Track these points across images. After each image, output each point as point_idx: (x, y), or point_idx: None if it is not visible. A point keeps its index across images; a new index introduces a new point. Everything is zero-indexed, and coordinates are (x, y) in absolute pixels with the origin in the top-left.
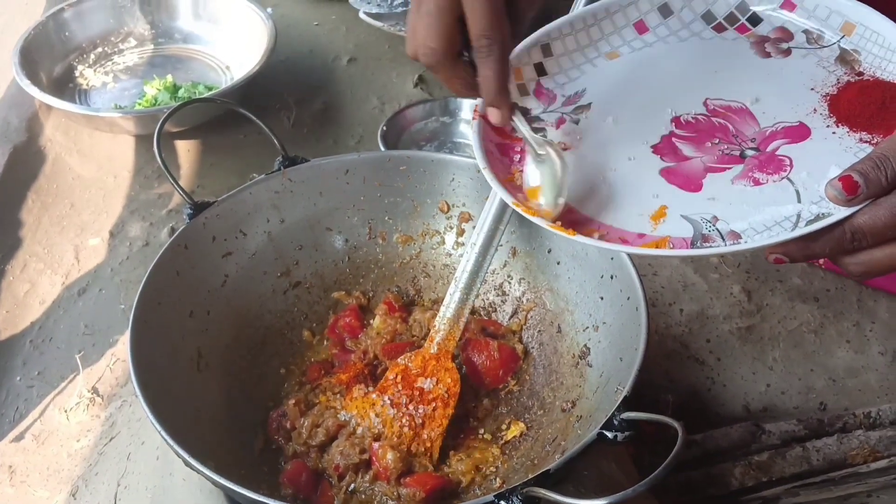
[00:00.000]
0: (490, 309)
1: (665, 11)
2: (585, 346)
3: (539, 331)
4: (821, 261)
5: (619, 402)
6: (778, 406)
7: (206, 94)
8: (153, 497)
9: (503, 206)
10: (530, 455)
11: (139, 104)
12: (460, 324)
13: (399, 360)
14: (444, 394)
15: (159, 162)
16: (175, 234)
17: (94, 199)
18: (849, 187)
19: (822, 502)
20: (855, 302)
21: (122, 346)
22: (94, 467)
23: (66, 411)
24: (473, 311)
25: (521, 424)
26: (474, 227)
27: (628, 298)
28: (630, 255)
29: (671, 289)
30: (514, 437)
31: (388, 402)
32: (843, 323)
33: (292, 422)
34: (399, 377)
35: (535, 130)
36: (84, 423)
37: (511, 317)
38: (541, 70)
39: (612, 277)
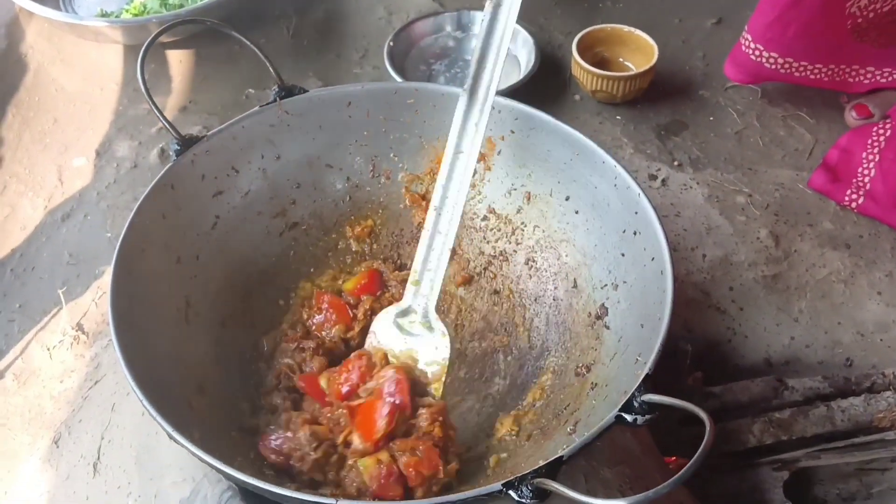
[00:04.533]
0: (502, 258)
1: None
2: (603, 305)
3: (554, 285)
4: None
5: (640, 380)
6: (801, 360)
7: (199, 4)
8: (138, 456)
9: None
10: (540, 422)
11: (127, 11)
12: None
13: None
14: None
15: (143, 92)
16: (160, 174)
17: (79, 114)
18: None
19: (844, 466)
20: (889, 250)
21: (109, 278)
22: (77, 413)
23: (49, 349)
24: None
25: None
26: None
27: (652, 259)
28: (656, 210)
29: (694, 231)
30: (527, 402)
31: None
32: (875, 273)
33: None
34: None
35: None
36: (68, 363)
37: (523, 265)
38: None
39: (635, 233)
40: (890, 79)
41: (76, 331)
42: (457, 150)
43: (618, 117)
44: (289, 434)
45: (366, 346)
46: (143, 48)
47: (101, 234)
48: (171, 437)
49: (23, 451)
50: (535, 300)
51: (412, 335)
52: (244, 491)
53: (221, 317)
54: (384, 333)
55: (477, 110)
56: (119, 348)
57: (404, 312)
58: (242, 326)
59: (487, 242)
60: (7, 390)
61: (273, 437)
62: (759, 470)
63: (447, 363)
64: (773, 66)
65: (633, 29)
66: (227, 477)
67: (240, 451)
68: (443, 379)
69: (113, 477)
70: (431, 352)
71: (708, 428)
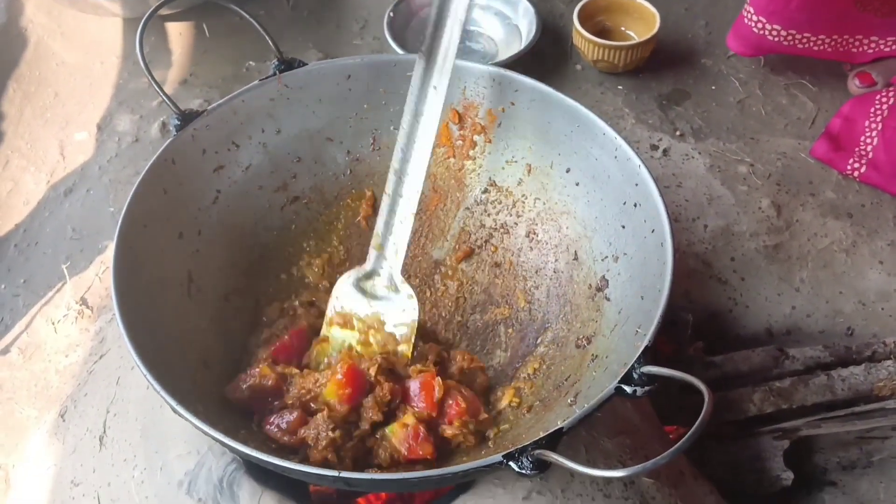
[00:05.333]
0: (503, 230)
1: None
2: (604, 277)
3: (554, 257)
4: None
5: (639, 352)
6: (803, 329)
7: None
8: (143, 429)
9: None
10: (541, 394)
11: None
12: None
13: None
14: None
15: (142, 66)
16: (160, 150)
17: (80, 88)
18: None
19: (844, 434)
20: (891, 219)
21: (112, 253)
22: (83, 387)
23: (53, 323)
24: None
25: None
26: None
27: (652, 231)
28: (656, 182)
29: (696, 202)
30: (527, 374)
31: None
32: (876, 242)
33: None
34: None
35: None
36: (72, 337)
37: (524, 238)
38: None
39: (635, 205)
40: (893, 47)
41: (80, 305)
42: (416, 113)
43: (619, 87)
44: (296, 414)
45: (328, 312)
46: (142, 22)
47: (103, 208)
48: (175, 410)
49: (29, 425)
50: (536, 272)
51: (377, 298)
52: (249, 463)
53: (224, 291)
54: (347, 297)
55: (436, 73)
56: (122, 323)
57: (367, 276)
58: (245, 300)
59: (488, 215)
60: (13, 364)
61: (279, 416)
62: (759, 439)
63: (416, 324)
64: (776, 39)
65: None
66: (232, 450)
67: (244, 423)
68: (412, 340)
69: (119, 450)
70: (398, 314)
71: (706, 399)
